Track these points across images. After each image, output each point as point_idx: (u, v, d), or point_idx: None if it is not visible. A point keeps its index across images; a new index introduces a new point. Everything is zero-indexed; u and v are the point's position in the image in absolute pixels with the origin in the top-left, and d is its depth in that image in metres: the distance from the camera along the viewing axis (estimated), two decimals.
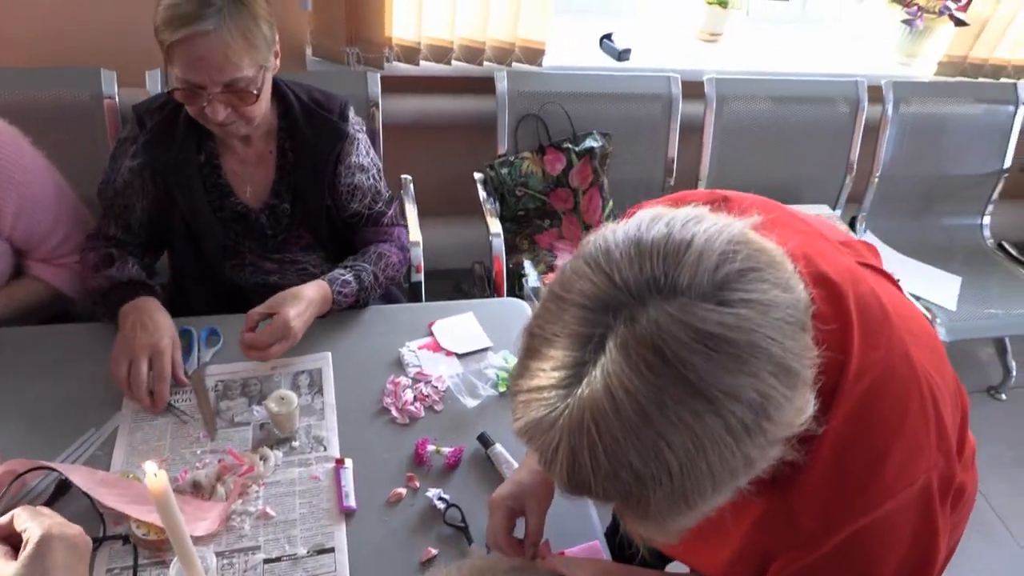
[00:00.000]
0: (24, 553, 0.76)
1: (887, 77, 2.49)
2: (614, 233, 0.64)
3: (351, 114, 1.53)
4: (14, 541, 0.80)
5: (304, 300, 1.33)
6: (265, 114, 1.40)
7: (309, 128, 1.46)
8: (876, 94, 2.47)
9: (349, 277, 1.43)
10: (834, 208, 2.56)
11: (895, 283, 0.90)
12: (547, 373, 0.62)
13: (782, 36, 2.70)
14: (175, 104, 1.41)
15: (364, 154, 1.54)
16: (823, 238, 0.83)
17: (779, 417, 0.61)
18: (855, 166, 2.52)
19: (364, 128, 1.58)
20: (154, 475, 0.87)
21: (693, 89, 2.31)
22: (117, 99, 1.89)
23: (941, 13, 2.49)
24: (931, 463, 0.75)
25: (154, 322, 1.30)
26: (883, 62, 2.64)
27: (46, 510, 0.82)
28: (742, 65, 2.47)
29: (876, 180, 2.57)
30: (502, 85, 2.17)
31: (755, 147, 2.41)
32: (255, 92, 1.31)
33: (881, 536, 0.74)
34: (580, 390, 0.60)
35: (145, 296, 1.35)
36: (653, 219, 0.64)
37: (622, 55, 2.35)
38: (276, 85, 1.45)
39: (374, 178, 1.56)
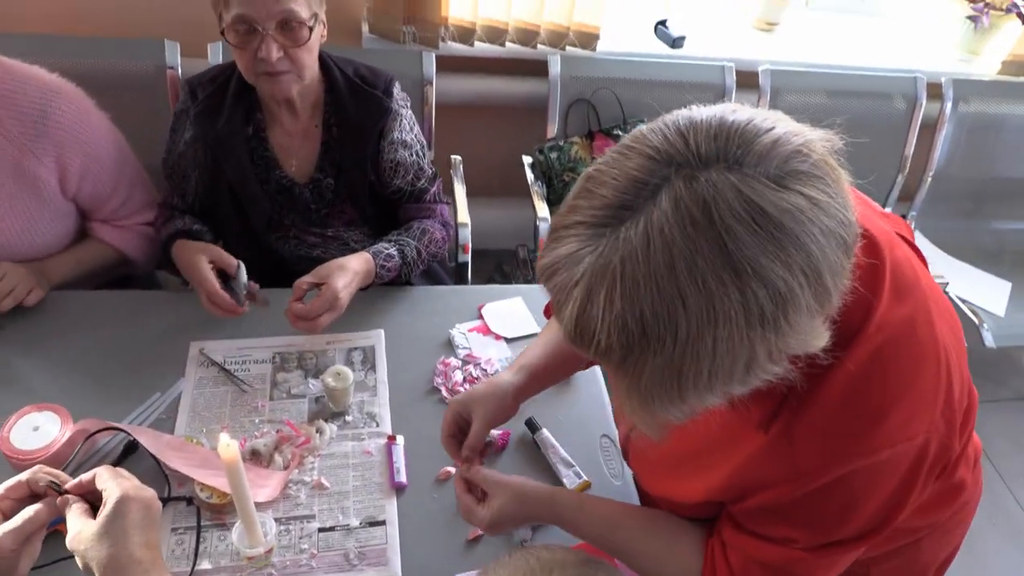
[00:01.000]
0: (104, 512, 0.81)
1: (947, 74, 2.44)
2: (700, 109, 0.66)
3: (396, 90, 1.54)
4: (90, 499, 0.85)
5: (350, 272, 1.36)
6: (312, 83, 1.43)
7: (353, 103, 1.48)
8: (935, 91, 2.42)
9: (393, 251, 1.46)
10: (884, 206, 2.52)
11: (926, 264, 0.91)
12: (592, 211, 0.64)
13: (840, 27, 2.65)
14: (226, 77, 1.45)
15: (408, 130, 1.55)
16: (868, 203, 0.86)
17: (795, 322, 0.62)
18: (908, 164, 2.48)
19: (409, 104, 1.58)
20: (227, 445, 0.91)
21: (747, 79, 2.29)
22: (180, 70, 1.94)
23: (1009, 11, 2.43)
24: (934, 427, 0.77)
25: (191, 262, 1.37)
26: (944, 58, 2.59)
27: (124, 472, 0.86)
28: (798, 56, 2.43)
29: (929, 179, 2.53)
30: (555, 69, 2.17)
31: None
32: (308, 29, 1.34)
33: (868, 482, 0.77)
34: (618, 231, 0.61)
35: (179, 241, 1.43)
36: (740, 108, 0.65)
37: (676, 42, 2.33)
38: (322, 60, 1.46)
39: (417, 155, 1.57)
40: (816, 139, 0.65)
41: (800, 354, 0.67)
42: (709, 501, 0.89)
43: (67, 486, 0.85)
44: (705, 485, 0.88)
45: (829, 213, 0.62)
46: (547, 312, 1.22)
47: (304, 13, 1.32)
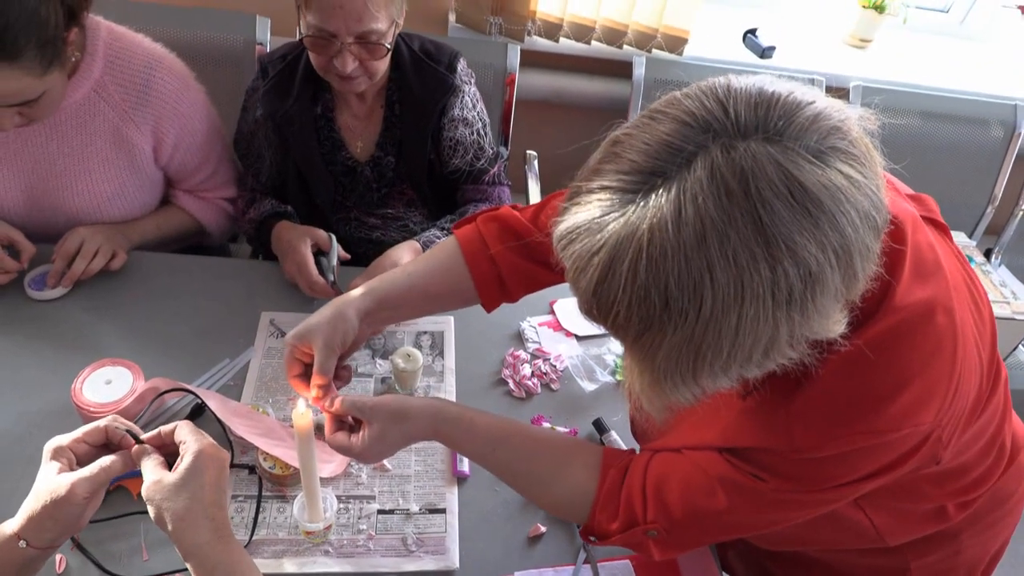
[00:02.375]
0: (183, 464, 0.80)
1: None
2: (738, 77, 0.63)
3: (460, 65, 1.51)
4: (166, 452, 0.84)
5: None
6: (383, 72, 1.42)
7: (417, 79, 1.45)
8: None
9: (441, 236, 1.44)
10: (970, 236, 2.41)
11: (953, 245, 0.87)
12: (618, 176, 0.61)
13: (937, 49, 2.55)
14: (296, 55, 1.44)
15: (469, 107, 1.52)
16: (894, 184, 0.83)
17: (822, 304, 0.60)
18: (1000, 195, 2.37)
19: (473, 80, 1.54)
20: (302, 413, 0.90)
21: (837, 95, 2.20)
22: (268, 46, 1.95)
23: None
24: (940, 415, 0.73)
25: (292, 243, 1.36)
26: None
27: (201, 430, 0.85)
28: (891, 75, 2.34)
29: (1021, 212, 2.41)
30: (639, 71, 2.13)
31: (895, 161, 2.28)
32: (386, 46, 1.32)
33: (866, 458, 0.74)
34: (648, 198, 0.59)
35: (280, 222, 1.42)
36: (779, 79, 0.63)
37: (766, 52, 2.27)
38: None
39: (478, 133, 1.54)
40: (854, 117, 0.63)
41: (818, 339, 0.64)
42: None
43: (145, 436, 0.84)
44: (704, 441, 0.85)
45: (865, 194, 0.59)
46: (455, 228, 1.11)
47: (383, 26, 1.31)
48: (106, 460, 0.81)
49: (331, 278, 1.33)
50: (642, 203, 0.59)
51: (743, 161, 0.57)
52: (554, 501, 0.95)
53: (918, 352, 0.73)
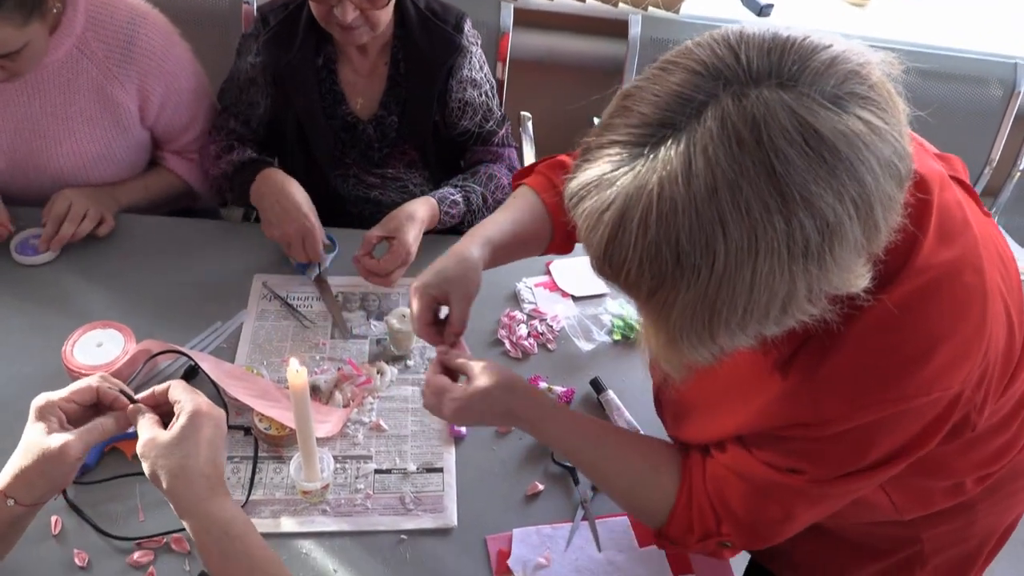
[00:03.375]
0: (179, 423, 0.79)
1: None
2: (752, 25, 0.61)
3: (467, 26, 1.48)
4: (160, 411, 0.83)
5: (418, 221, 1.32)
6: (386, 24, 1.38)
7: (424, 38, 1.42)
8: None
9: (458, 198, 1.41)
10: None
11: (982, 208, 0.85)
12: (628, 129, 0.59)
13: (935, 7, 2.52)
14: (298, 5, 1.41)
15: (477, 69, 1.49)
16: (920, 145, 0.81)
17: (840, 257, 0.58)
18: (998, 156, 2.35)
19: (479, 42, 1.52)
20: (296, 371, 0.89)
21: None
22: (255, 5, 1.91)
23: None
24: (970, 378, 0.72)
25: (293, 202, 1.30)
26: None
27: (195, 389, 0.84)
28: (890, 34, 2.31)
29: (1018, 173, 2.40)
30: (635, 29, 2.09)
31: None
32: None
33: (896, 426, 0.73)
34: (657, 150, 0.57)
35: (269, 167, 1.37)
36: (795, 28, 0.61)
37: (764, 10, 2.23)
38: None
39: (486, 95, 1.51)
40: (875, 61, 0.60)
41: (840, 294, 0.62)
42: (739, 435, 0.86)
43: (138, 396, 0.83)
44: (730, 427, 0.84)
45: (886, 141, 0.57)
46: (515, 180, 1.12)
47: None
48: (101, 420, 0.80)
49: (308, 275, 1.35)
50: (651, 156, 0.57)
51: (755, 109, 0.55)
52: (637, 503, 0.94)
53: (947, 313, 0.70)
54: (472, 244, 1.00)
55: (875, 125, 0.57)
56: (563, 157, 1.09)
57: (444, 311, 1.00)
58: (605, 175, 0.59)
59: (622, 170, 0.58)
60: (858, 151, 0.56)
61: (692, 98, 0.57)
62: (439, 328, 0.99)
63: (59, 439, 0.76)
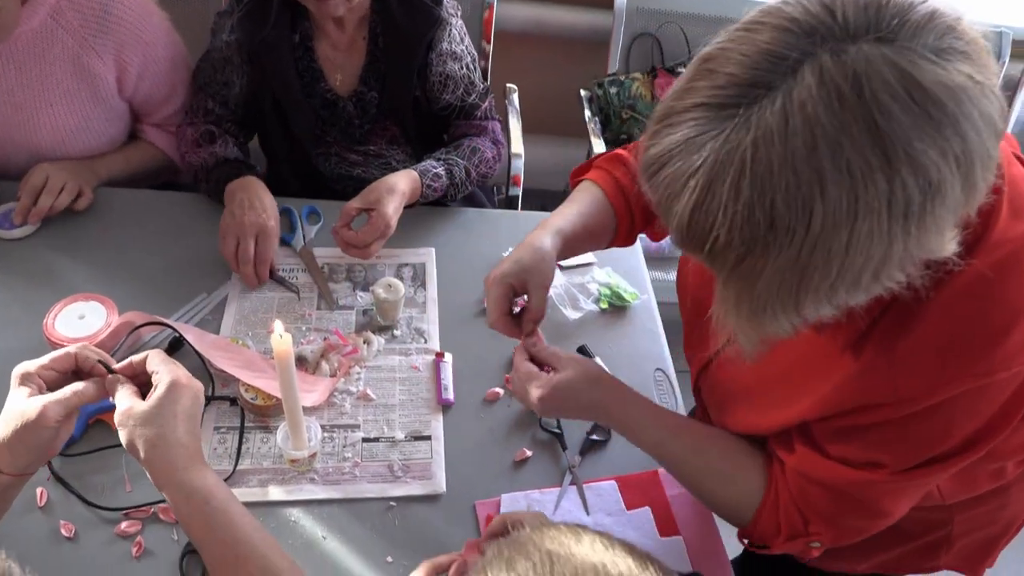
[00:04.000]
0: (156, 393, 0.78)
1: None
2: None
3: None
4: (139, 381, 0.82)
5: (398, 194, 1.30)
6: None
7: (402, 11, 1.39)
8: (1020, 50, 2.28)
9: (441, 171, 1.40)
10: None
11: None
12: (714, 91, 0.57)
13: None
14: None
15: (458, 41, 1.47)
16: None
17: (940, 218, 0.56)
18: None
19: (459, 12, 1.49)
20: (280, 336, 0.88)
21: None
22: None
23: None
24: None
25: (261, 202, 1.29)
26: None
27: (173, 360, 0.83)
28: None
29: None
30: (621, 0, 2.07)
31: None
32: None
33: (974, 404, 0.71)
34: (750, 111, 0.55)
35: (250, 175, 1.35)
36: None
37: None
38: None
39: (468, 67, 1.49)
40: (966, 18, 0.58)
41: (930, 259, 0.60)
42: (790, 429, 0.83)
43: (117, 366, 0.82)
44: (788, 416, 0.81)
45: (986, 96, 0.55)
46: (575, 175, 1.12)
47: None
48: (79, 385, 0.79)
49: (293, 246, 1.34)
50: (744, 117, 0.55)
51: (855, 64, 0.53)
52: (722, 502, 0.92)
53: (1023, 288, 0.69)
54: (544, 234, 1.00)
55: (976, 79, 0.55)
56: (620, 151, 1.09)
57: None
58: (691, 138, 0.57)
59: (710, 132, 0.56)
60: (961, 105, 0.54)
61: (786, 56, 0.55)
62: (513, 319, 0.98)
63: (38, 403, 0.75)
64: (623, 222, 1.06)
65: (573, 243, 1.02)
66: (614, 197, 1.05)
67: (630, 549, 0.52)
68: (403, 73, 1.44)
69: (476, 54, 1.55)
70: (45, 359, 0.80)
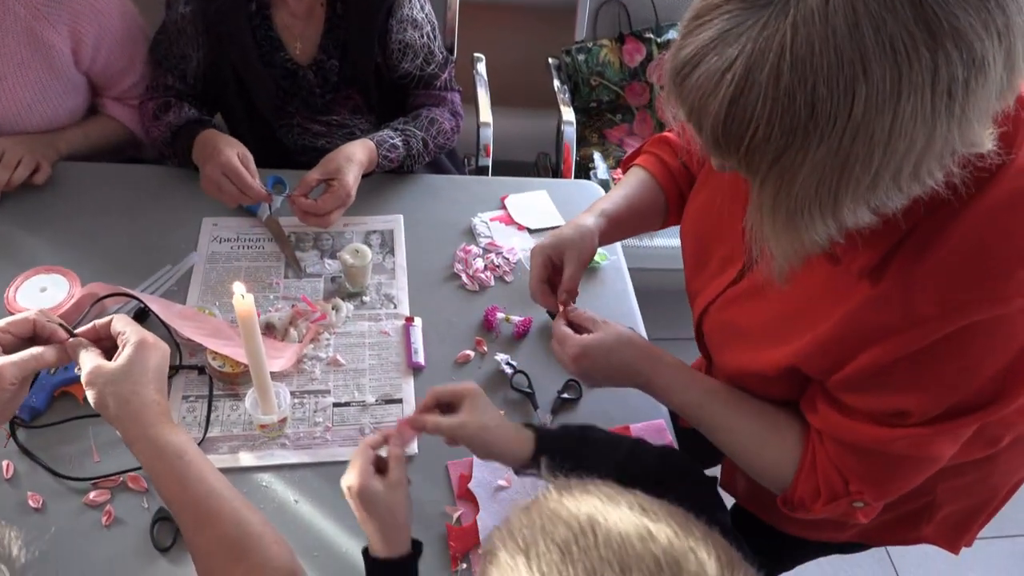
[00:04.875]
0: (125, 352, 0.77)
1: None
2: None
3: None
4: (103, 346, 0.81)
5: (356, 163, 1.29)
6: None
7: None
8: None
9: (398, 142, 1.39)
10: None
11: None
12: None
13: None
14: None
15: (418, 8, 1.44)
16: None
17: (983, 97, 0.55)
18: None
19: None
20: (241, 296, 0.87)
21: None
22: None
23: None
24: None
25: (215, 147, 1.26)
26: None
27: (138, 324, 0.82)
28: None
29: None
30: None
31: None
32: None
33: (995, 336, 0.68)
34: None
35: (206, 129, 1.33)
36: None
37: None
38: None
39: (428, 36, 1.47)
40: None
41: (969, 155, 0.59)
42: (793, 369, 0.80)
43: (80, 330, 0.81)
44: (793, 349, 0.79)
45: None
46: (626, 163, 1.15)
47: None
48: (37, 349, 0.78)
49: (259, 215, 1.33)
50: (781, 4, 0.54)
51: None
52: (760, 465, 0.89)
53: None
54: (588, 215, 1.04)
55: None
56: (666, 133, 1.10)
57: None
58: (725, 32, 0.56)
59: (747, 23, 0.55)
60: None
61: None
62: (551, 288, 1.01)
63: None
64: (673, 200, 1.08)
65: (619, 223, 1.05)
66: (661, 177, 1.08)
67: (669, 511, 0.51)
68: (363, 40, 1.41)
69: (436, 23, 1.52)
70: (2, 322, 0.79)
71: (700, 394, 0.91)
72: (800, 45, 0.53)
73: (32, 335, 0.80)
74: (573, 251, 0.99)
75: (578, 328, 0.96)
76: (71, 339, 0.80)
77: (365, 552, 0.83)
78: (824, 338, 0.76)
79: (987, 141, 0.60)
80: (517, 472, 0.89)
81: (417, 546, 0.84)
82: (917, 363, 0.71)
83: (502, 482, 1.03)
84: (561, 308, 0.99)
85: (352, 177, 1.26)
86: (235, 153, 1.26)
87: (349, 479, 0.82)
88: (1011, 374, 0.70)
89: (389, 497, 0.81)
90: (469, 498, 1.02)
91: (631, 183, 1.10)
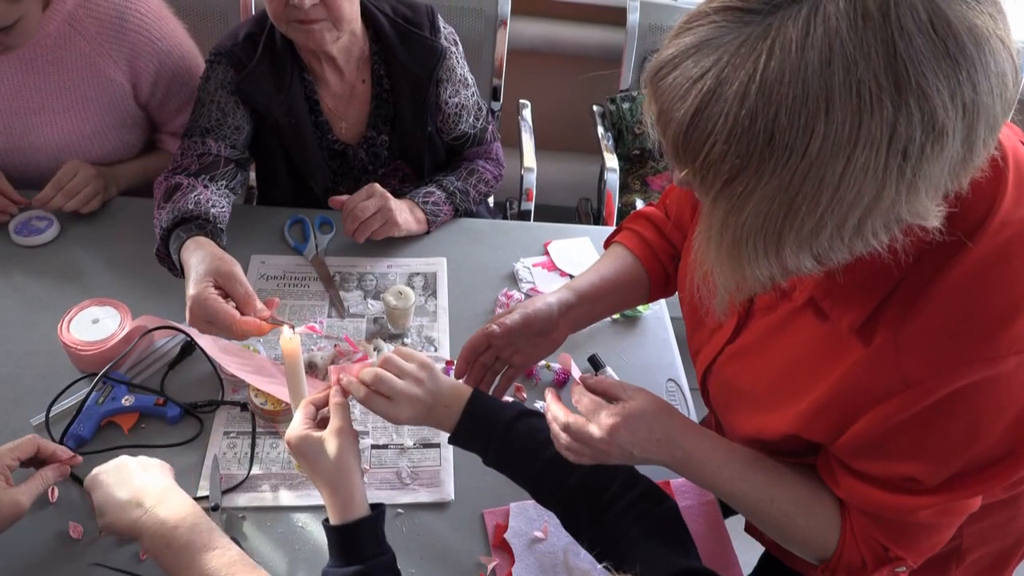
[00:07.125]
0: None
1: None
2: None
3: (441, 24, 1.40)
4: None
5: (389, 195, 1.32)
6: (356, 36, 1.33)
7: (404, 50, 1.35)
8: None
9: (431, 188, 1.41)
10: None
11: None
12: None
13: None
14: (261, 32, 1.31)
15: (463, 67, 1.44)
16: None
17: (934, 167, 0.54)
18: None
19: (456, 37, 1.45)
20: (289, 338, 0.88)
21: None
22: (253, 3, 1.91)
23: None
24: None
25: (194, 270, 1.10)
26: None
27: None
28: None
29: None
30: (634, 16, 2.09)
31: None
32: None
33: (994, 396, 0.67)
34: (772, 17, 0.54)
35: (194, 238, 1.16)
36: None
37: None
38: (363, 6, 1.31)
39: (476, 93, 1.48)
40: None
41: (912, 225, 0.59)
42: (799, 434, 0.79)
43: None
44: (794, 413, 0.78)
45: (1007, 50, 0.54)
46: (607, 242, 1.15)
47: None
48: (44, 473, 0.92)
49: (305, 255, 1.36)
50: (765, 23, 0.54)
51: None
52: (803, 535, 0.84)
53: None
54: (555, 292, 1.05)
55: (998, 34, 0.54)
56: (646, 208, 1.12)
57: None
58: (707, 40, 0.56)
59: (728, 37, 0.55)
60: (981, 51, 0.53)
61: None
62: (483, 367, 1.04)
63: (9, 497, 0.86)
64: (655, 273, 1.08)
65: (590, 298, 1.05)
66: (640, 252, 1.08)
67: None
68: (415, 112, 1.40)
69: (473, 78, 1.52)
70: (9, 448, 0.90)
71: (742, 466, 0.84)
72: (772, 71, 0.53)
73: (35, 455, 0.92)
74: (519, 308, 1.02)
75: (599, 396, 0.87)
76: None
77: (325, 523, 0.82)
78: (823, 401, 0.74)
79: (933, 216, 0.60)
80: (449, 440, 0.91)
81: (377, 507, 0.82)
82: (916, 427, 0.69)
83: (539, 534, 1.01)
84: (584, 376, 0.91)
85: (387, 192, 1.30)
86: (206, 287, 1.07)
87: (288, 433, 0.83)
88: (1018, 430, 0.69)
89: (331, 446, 0.82)
90: (505, 548, 1.00)
91: (606, 261, 1.10)
